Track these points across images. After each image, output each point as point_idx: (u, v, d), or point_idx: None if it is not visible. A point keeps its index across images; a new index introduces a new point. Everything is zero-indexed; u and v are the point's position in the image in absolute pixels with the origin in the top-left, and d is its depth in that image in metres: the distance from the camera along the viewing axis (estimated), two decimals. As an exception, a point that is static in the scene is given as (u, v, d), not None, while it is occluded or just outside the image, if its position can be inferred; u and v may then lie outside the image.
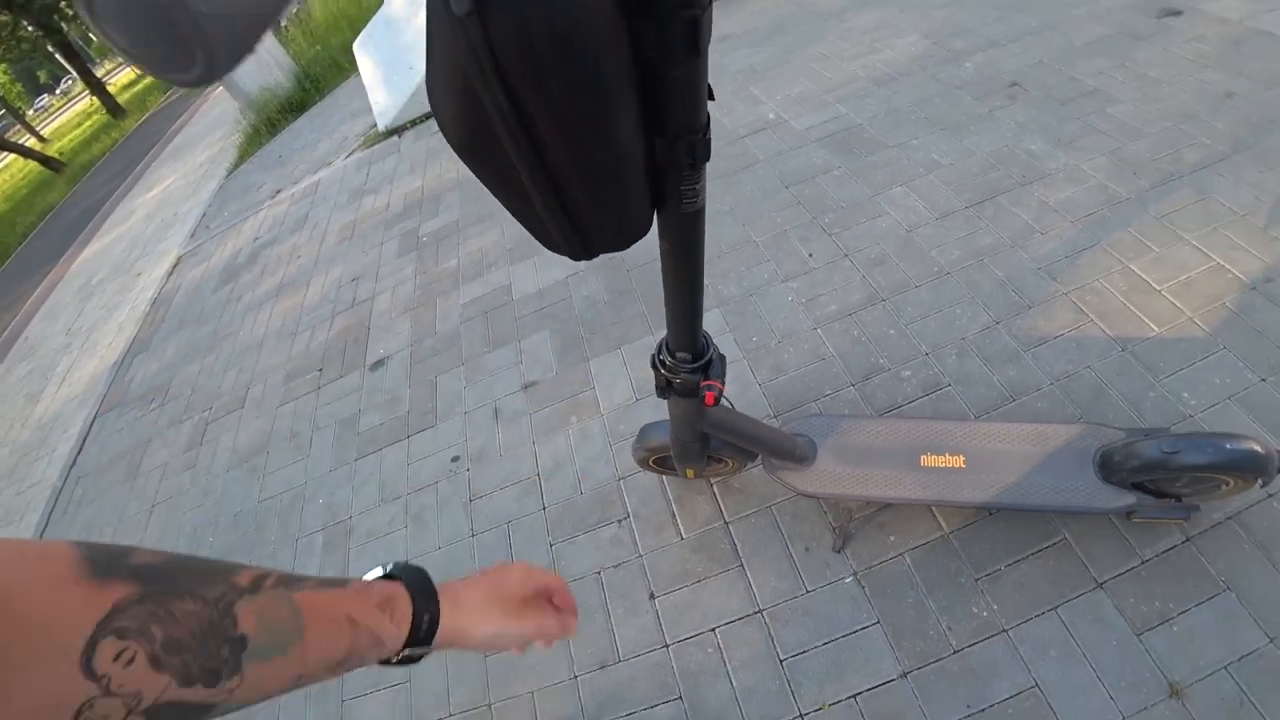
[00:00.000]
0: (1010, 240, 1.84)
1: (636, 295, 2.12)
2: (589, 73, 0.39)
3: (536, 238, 0.59)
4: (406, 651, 0.47)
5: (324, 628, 0.40)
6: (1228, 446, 1.07)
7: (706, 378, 0.98)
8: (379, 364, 2.30)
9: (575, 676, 1.38)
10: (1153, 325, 1.54)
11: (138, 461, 2.52)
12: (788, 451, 1.32)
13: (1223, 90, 2.02)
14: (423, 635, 0.47)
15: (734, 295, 1.98)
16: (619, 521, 1.59)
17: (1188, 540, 1.23)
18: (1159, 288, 1.60)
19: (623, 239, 0.58)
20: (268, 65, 5.70)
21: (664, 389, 1.05)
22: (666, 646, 1.36)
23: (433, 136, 3.45)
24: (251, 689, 0.35)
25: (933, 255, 1.86)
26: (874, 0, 3.10)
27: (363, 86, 3.90)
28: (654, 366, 1.01)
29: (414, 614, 0.47)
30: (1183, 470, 1.09)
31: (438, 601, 0.48)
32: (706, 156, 0.53)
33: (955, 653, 1.21)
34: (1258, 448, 1.06)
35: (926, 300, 1.77)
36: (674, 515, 1.55)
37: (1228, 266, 1.59)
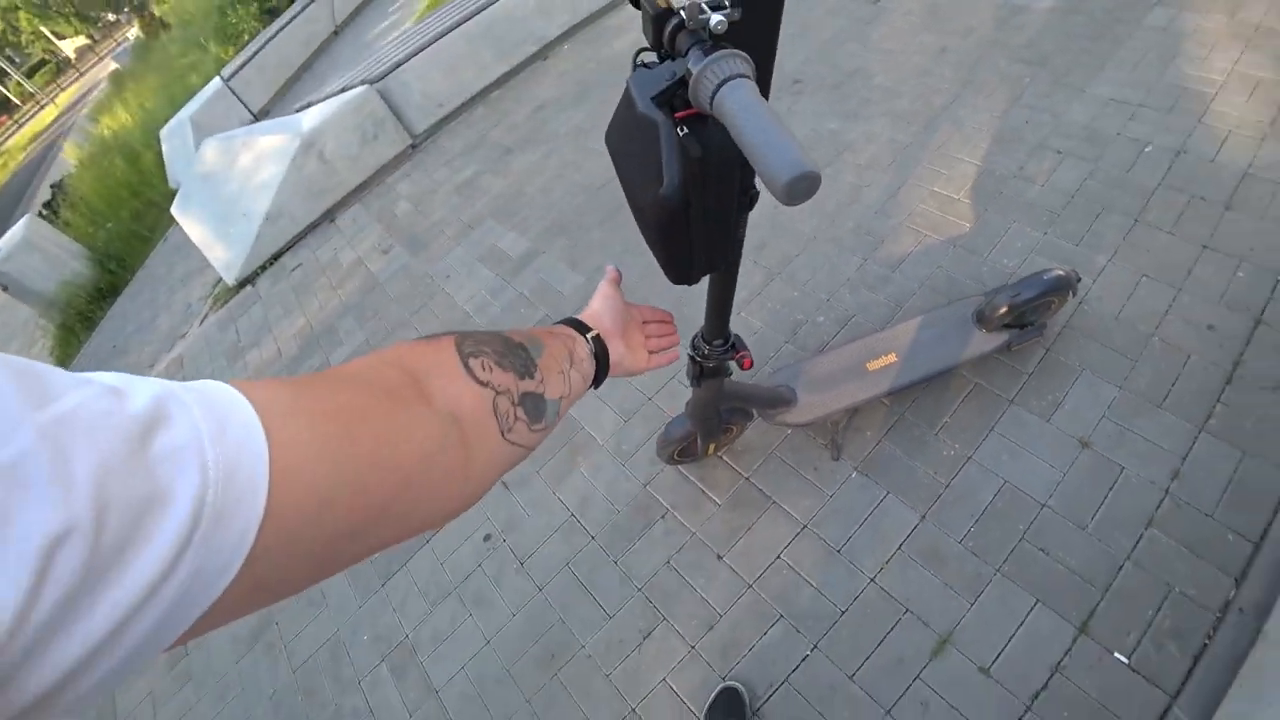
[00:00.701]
0: (848, 199, 2.40)
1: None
2: (726, 191, 0.72)
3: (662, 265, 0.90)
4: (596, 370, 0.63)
5: (548, 339, 0.55)
6: (1045, 277, 1.61)
7: (736, 352, 1.31)
8: None
9: (693, 648, 1.61)
10: (965, 224, 2.14)
11: (110, 710, 2.27)
12: (779, 399, 1.68)
13: (938, 46, 2.80)
14: (597, 348, 0.63)
15: (665, 305, 2.33)
16: (662, 517, 1.85)
17: (1048, 351, 1.78)
18: (958, 197, 2.22)
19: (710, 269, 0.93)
20: (57, 259, 5.12)
21: (698, 376, 1.36)
22: (750, 586, 1.65)
23: (293, 274, 3.44)
24: (549, 383, 0.50)
25: (799, 228, 2.37)
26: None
27: (181, 250, 3.74)
28: (692, 358, 1.32)
29: (576, 325, 0.65)
30: (1027, 303, 1.61)
31: (585, 326, 0.66)
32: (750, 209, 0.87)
33: (947, 487, 1.64)
34: (1062, 272, 1.61)
35: (809, 263, 2.25)
36: (704, 492, 1.85)
37: (991, 169, 2.25)
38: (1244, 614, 1.32)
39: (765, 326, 2.12)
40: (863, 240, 2.26)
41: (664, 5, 0.61)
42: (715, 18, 0.54)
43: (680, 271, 0.86)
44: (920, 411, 1.79)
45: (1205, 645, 1.31)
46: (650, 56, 0.65)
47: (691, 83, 0.53)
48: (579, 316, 0.67)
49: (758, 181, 0.58)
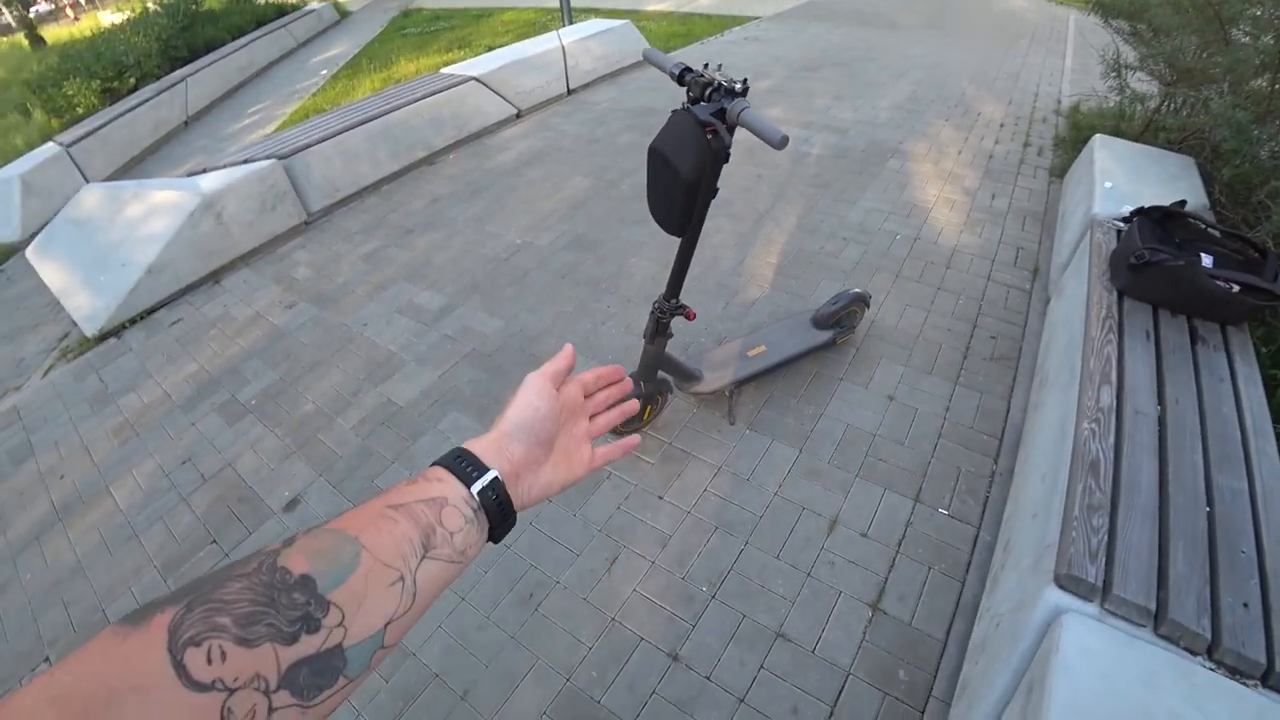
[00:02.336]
0: (710, 266, 3.21)
1: (505, 372, 2.80)
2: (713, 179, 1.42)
3: (670, 222, 1.52)
4: (493, 500, 0.47)
5: (374, 527, 0.39)
6: (850, 292, 2.46)
7: (685, 308, 1.90)
8: (294, 503, 2.38)
9: (653, 562, 2.00)
10: (792, 280, 3.03)
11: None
12: (692, 374, 2.28)
13: (755, 174, 3.85)
14: (465, 473, 0.47)
15: (576, 344, 2.86)
16: (608, 478, 2.26)
17: (857, 349, 2.61)
18: (784, 264, 3.12)
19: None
20: None
21: (654, 332, 1.93)
22: (688, 512, 2.12)
23: (172, 327, 3.36)
24: (357, 615, 0.35)
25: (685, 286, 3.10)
26: (536, 160, 4.48)
27: (6, 303, 3.41)
28: (656, 316, 1.89)
29: (445, 466, 0.47)
30: (842, 308, 2.43)
31: (462, 447, 0.49)
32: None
33: (811, 432, 2.31)
34: (859, 290, 2.48)
35: (689, 302, 2.96)
36: (639, 456, 2.32)
37: (803, 248, 3.21)
38: (1000, 475, 2.10)
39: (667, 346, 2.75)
40: (723, 291, 3.06)
41: (707, 80, 1.38)
42: (739, 85, 1.26)
43: (680, 225, 1.51)
44: (786, 388, 2.49)
45: (987, 495, 2.07)
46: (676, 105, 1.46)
47: (730, 109, 1.26)
48: (476, 444, 0.50)
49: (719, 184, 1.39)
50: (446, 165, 4.76)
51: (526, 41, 6.02)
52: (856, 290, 2.48)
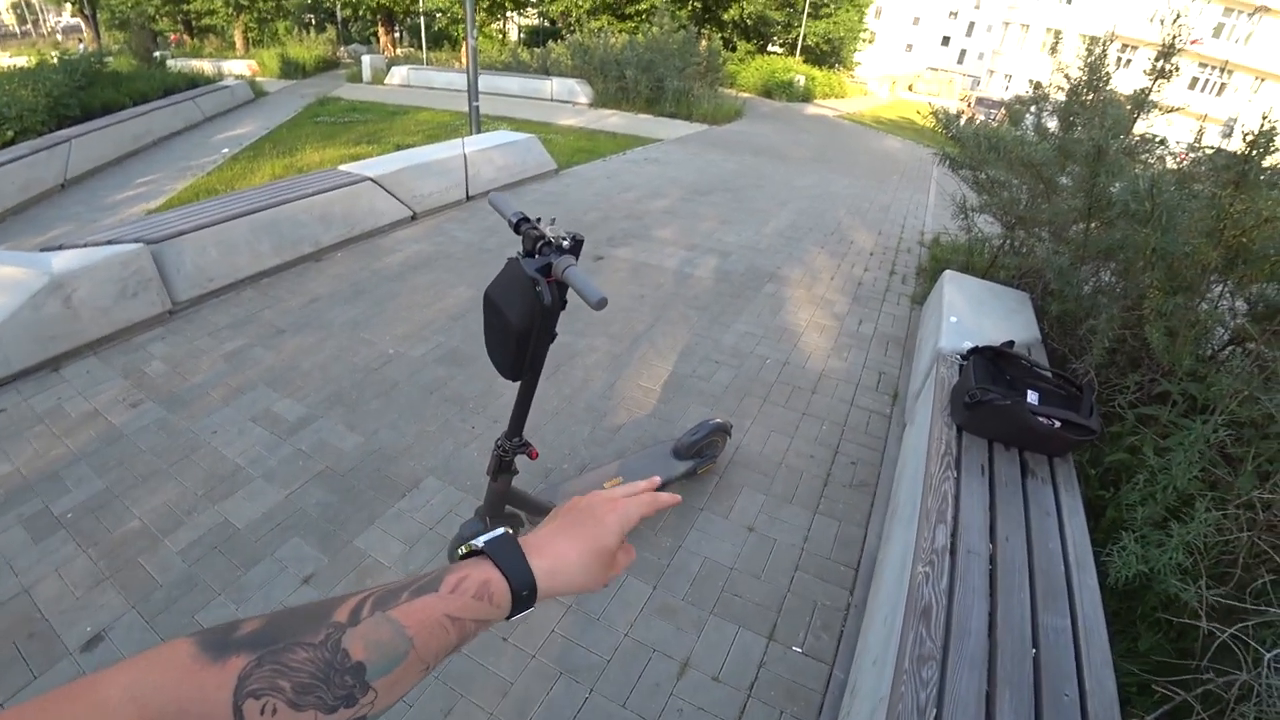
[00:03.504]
0: (580, 387, 3.24)
1: (356, 494, 2.65)
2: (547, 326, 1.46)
3: (505, 368, 1.53)
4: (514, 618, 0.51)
5: (428, 632, 0.45)
6: (710, 423, 2.54)
7: (528, 446, 1.88)
8: (94, 641, 2.06)
9: (491, 714, 1.86)
10: (660, 405, 3.09)
11: None
12: (545, 507, 2.23)
13: (639, 294, 4.00)
14: (524, 601, 0.51)
15: (435, 467, 2.76)
16: (452, 616, 2.13)
17: (720, 477, 2.66)
18: (655, 388, 3.20)
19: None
20: None
21: (497, 470, 1.89)
22: (533, 656, 2.01)
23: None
24: (386, 695, 0.42)
25: (546, 406, 3.11)
26: (424, 265, 4.46)
27: None
28: (498, 454, 1.86)
29: (511, 591, 0.50)
30: (702, 439, 2.50)
31: (532, 574, 0.51)
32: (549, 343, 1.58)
33: (668, 566, 2.30)
34: (720, 420, 2.56)
35: (554, 429, 2.96)
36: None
37: (676, 371, 3.31)
38: (855, 607, 2.14)
39: (525, 473, 2.70)
40: (591, 414, 3.08)
41: (538, 234, 1.40)
42: (566, 243, 1.32)
43: (515, 371, 1.52)
44: (644, 520, 2.47)
45: (841, 629, 2.09)
46: (512, 255, 1.48)
47: (556, 264, 1.30)
48: (531, 543, 0.55)
49: (557, 328, 1.37)
50: (333, 263, 4.67)
51: (430, 146, 6.17)
52: (718, 420, 2.56)
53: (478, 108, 7.42)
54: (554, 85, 13.58)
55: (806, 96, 19.08)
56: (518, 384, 1.73)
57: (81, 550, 2.40)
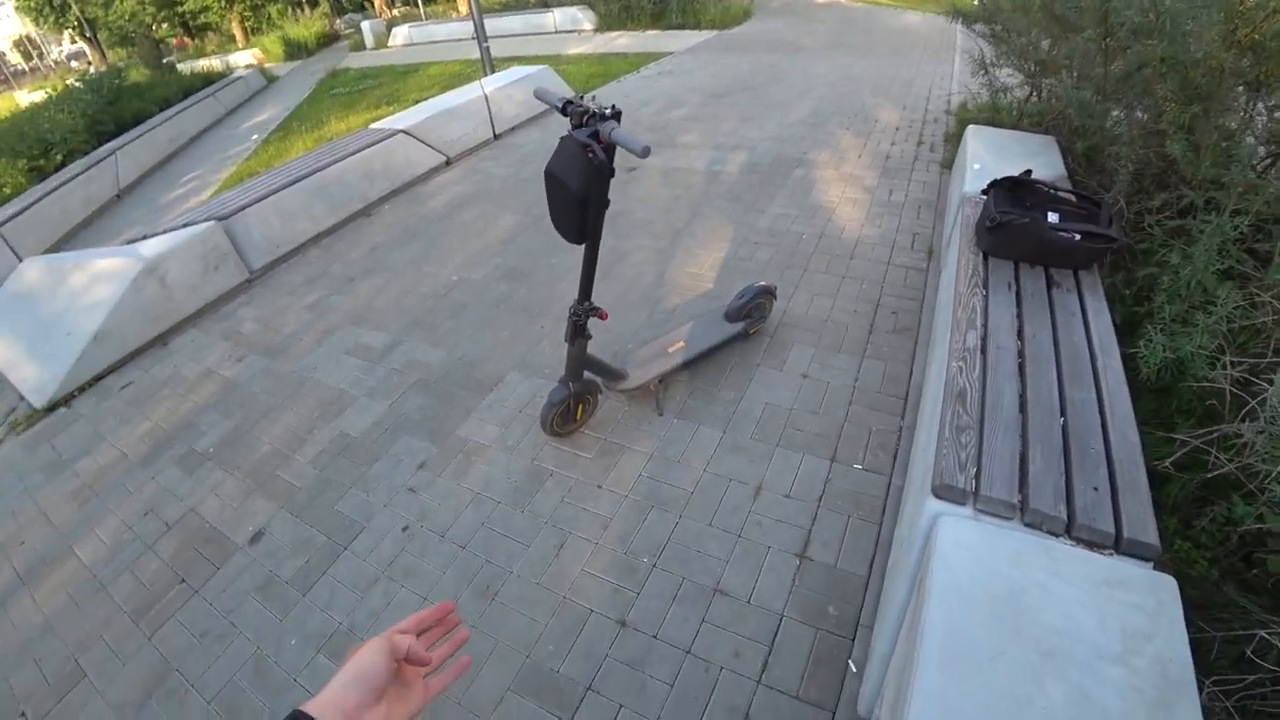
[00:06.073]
0: (633, 281, 3.46)
1: (450, 396, 2.98)
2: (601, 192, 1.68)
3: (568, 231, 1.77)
4: None
5: None
6: (755, 286, 2.73)
7: (598, 309, 2.13)
8: (258, 536, 2.48)
9: (597, 544, 2.19)
10: (709, 285, 3.29)
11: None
12: (618, 374, 2.50)
13: (673, 195, 4.15)
14: None
15: (515, 363, 3.06)
16: (550, 476, 2.45)
17: (771, 338, 2.88)
18: (702, 272, 3.40)
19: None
20: None
21: (573, 334, 2.15)
22: (626, 496, 2.32)
23: (122, 391, 3.43)
24: None
25: (606, 300, 3.34)
26: (467, 202, 4.72)
27: None
28: (572, 320, 2.11)
29: None
30: (749, 301, 2.70)
31: None
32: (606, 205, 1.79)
33: (733, 414, 2.55)
34: (764, 283, 2.75)
35: (616, 317, 3.21)
36: (577, 454, 2.51)
37: (719, 255, 3.50)
38: (907, 429, 2.37)
39: (597, 352, 2.97)
40: (647, 302, 3.31)
41: (583, 109, 1.61)
42: (609, 111, 1.52)
43: (579, 235, 1.75)
44: (708, 379, 2.73)
45: (896, 447, 2.33)
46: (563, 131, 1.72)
47: (602, 130, 1.51)
48: (313, 704, 0.57)
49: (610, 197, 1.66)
50: (383, 215, 4.96)
51: (450, 93, 6.31)
52: (762, 284, 2.76)
53: (488, 48, 7.45)
54: (556, 16, 13.31)
55: (815, -14, 18.06)
56: (582, 251, 1.97)
57: (229, 474, 2.83)
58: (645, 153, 1.48)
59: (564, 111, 1.74)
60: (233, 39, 23.30)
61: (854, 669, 1.78)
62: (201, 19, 23.98)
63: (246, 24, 23.73)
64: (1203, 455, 1.57)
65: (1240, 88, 2.56)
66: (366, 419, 2.92)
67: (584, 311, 2.12)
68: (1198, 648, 1.16)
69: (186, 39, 24.86)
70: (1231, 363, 1.77)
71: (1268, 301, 1.92)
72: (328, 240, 4.71)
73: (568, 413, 2.46)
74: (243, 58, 16.63)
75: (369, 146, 5.05)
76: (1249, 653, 1.26)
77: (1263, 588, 1.56)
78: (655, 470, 2.40)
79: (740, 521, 2.18)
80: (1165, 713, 1.06)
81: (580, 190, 1.68)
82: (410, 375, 3.13)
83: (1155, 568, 1.32)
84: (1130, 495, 1.45)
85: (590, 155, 1.63)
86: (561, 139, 1.72)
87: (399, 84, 10.35)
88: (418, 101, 6.83)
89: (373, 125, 5.64)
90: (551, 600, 2.06)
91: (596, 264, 2.01)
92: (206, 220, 4.03)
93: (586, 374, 2.37)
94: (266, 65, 15.50)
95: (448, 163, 5.68)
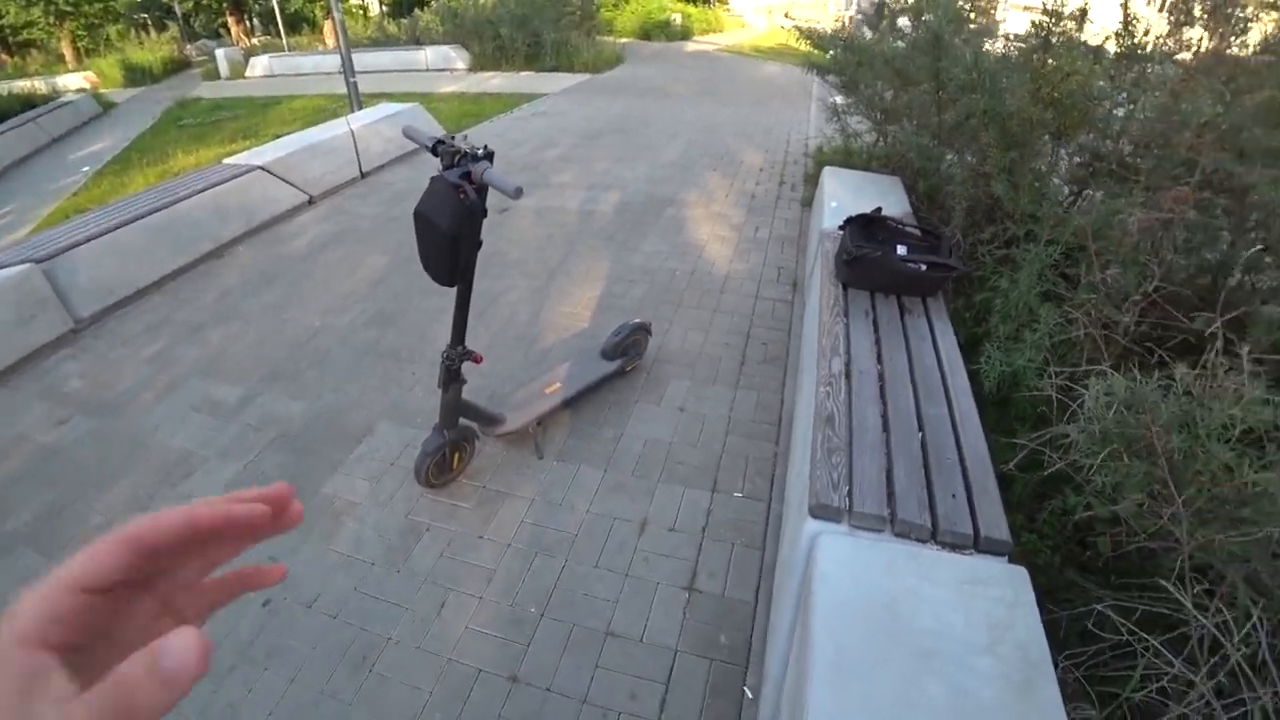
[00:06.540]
0: (507, 321, 3.43)
1: (313, 451, 2.79)
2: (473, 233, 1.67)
3: (439, 274, 1.73)
4: None
5: None
6: (631, 323, 2.80)
7: (471, 354, 2.10)
8: None
9: (480, 597, 2.11)
10: (584, 324, 3.34)
11: None
12: (495, 417, 2.46)
13: (546, 234, 4.17)
14: None
15: (385, 412, 2.92)
16: (427, 530, 2.34)
17: (648, 373, 2.95)
18: (577, 310, 3.43)
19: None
20: None
21: (446, 381, 2.10)
22: (508, 545, 2.26)
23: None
24: None
25: (479, 341, 3.28)
26: (331, 243, 4.49)
27: None
28: (445, 365, 2.06)
29: None
30: (625, 339, 2.77)
31: None
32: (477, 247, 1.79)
33: (614, 451, 2.59)
34: (640, 320, 2.83)
35: (490, 358, 3.15)
36: (455, 504, 2.43)
37: (594, 294, 3.55)
38: (781, 454, 2.49)
39: (472, 397, 2.90)
40: (522, 342, 3.31)
41: (455, 149, 1.60)
42: (481, 150, 1.53)
43: (450, 277, 1.73)
44: (587, 418, 2.75)
45: (773, 473, 2.46)
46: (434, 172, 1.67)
47: (475, 170, 1.51)
48: None
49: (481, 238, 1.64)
50: (237, 256, 4.60)
51: (314, 128, 6.02)
52: (637, 320, 2.83)
53: (355, 83, 7.20)
54: (428, 54, 13.12)
55: (685, 35, 19.13)
56: (454, 293, 1.94)
57: (48, 558, 2.46)
58: (518, 194, 1.50)
59: (434, 151, 1.72)
60: (61, 59, 20.97)
61: (750, 695, 1.83)
62: (24, 34, 21.44)
63: (79, 44, 21.50)
64: (1039, 456, 1.78)
65: (1046, 136, 2.99)
66: (218, 480, 2.66)
67: (457, 355, 2.07)
68: (1050, 629, 1.30)
69: (4, 56, 22.09)
70: (1055, 373, 2.04)
71: (1078, 318, 2.24)
72: (173, 285, 4.29)
73: (443, 462, 2.38)
74: (73, 80, 14.99)
75: (222, 183, 4.68)
76: (1090, 626, 1.42)
77: (1095, 568, 1.77)
78: (538, 515, 2.36)
79: (627, 560, 2.19)
80: (1029, 693, 1.18)
81: (451, 230, 1.66)
82: (268, 431, 2.90)
83: (1009, 561, 1.47)
84: (983, 498, 1.62)
85: (462, 196, 1.61)
86: (432, 179, 1.69)
87: (257, 117, 9.72)
88: (278, 136, 6.45)
89: (226, 160, 5.24)
90: (435, 664, 1.95)
91: (469, 306, 1.99)
92: (21, 263, 3.55)
93: (462, 420, 2.31)
94: (103, 90, 14.07)
95: (310, 201, 5.38)
